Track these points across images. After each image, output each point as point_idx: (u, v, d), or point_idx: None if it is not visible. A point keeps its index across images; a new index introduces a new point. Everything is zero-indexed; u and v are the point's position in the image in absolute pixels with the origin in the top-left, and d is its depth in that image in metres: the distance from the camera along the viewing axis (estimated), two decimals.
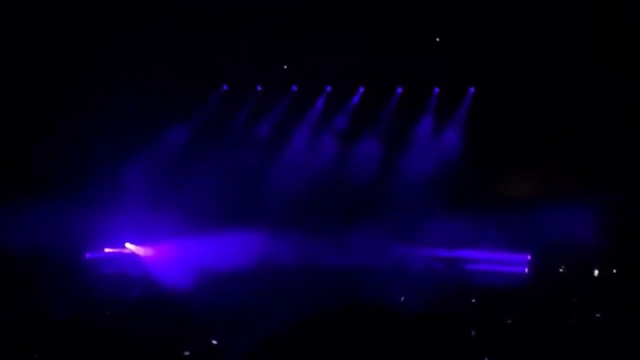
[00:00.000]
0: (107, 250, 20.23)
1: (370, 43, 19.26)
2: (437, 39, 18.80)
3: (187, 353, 13.10)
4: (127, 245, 20.19)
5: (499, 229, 17.94)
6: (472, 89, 20.23)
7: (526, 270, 18.45)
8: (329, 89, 21.36)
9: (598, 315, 14.34)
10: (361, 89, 21.13)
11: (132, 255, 20.22)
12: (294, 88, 21.37)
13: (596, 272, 17.97)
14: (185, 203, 19.94)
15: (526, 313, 14.75)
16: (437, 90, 20.49)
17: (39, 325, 14.14)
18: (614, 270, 17.79)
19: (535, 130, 19.22)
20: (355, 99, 21.28)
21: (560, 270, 18.10)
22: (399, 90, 20.95)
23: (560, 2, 17.54)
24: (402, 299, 15.72)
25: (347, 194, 20.36)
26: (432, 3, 18.19)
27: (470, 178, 19.56)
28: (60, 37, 19.36)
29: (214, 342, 13.54)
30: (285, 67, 20.63)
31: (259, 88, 21.52)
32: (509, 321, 14.24)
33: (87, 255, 19.84)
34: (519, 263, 18.62)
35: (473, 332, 13.03)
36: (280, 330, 13.39)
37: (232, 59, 20.44)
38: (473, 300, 16.05)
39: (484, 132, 19.74)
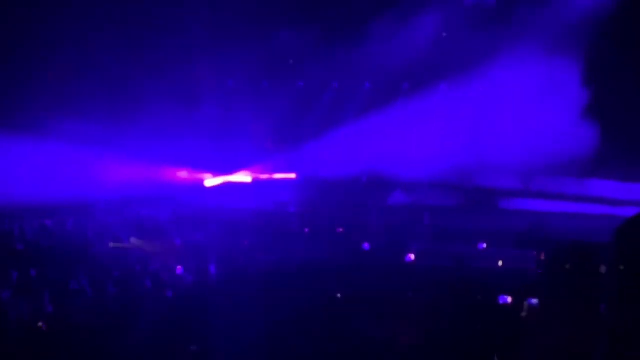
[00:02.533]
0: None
1: None
2: None
3: (194, 348, 13.20)
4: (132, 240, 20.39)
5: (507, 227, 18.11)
6: None
7: (534, 267, 18.48)
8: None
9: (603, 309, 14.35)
10: None
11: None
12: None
13: (603, 269, 17.92)
14: None
15: (533, 309, 14.75)
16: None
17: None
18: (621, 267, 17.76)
19: None
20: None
21: (567, 267, 18.09)
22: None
23: None
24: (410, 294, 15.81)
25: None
26: None
27: None
28: None
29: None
30: None
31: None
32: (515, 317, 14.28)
33: None
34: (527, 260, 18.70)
35: (479, 327, 13.13)
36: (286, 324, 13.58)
37: None
38: (479, 297, 16.06)
39: None
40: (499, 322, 13.74)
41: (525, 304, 14.45)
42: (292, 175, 25.19)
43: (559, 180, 23.44)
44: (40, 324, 14.87)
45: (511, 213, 23.74)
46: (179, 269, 18.70)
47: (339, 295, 15.86)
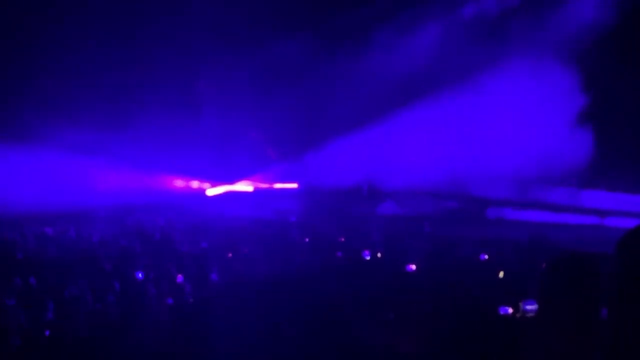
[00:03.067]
0: None
1: None
2: None
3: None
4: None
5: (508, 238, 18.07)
6: None
7: (535, 277, 18.48)
8: None
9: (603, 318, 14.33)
10: None
11: None
12: None
13: (603, 280, 17.91)
14: None
15: (534, 319, 14.75)
16: None
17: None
18: (623, 278, 17.79)
19: None
20: None
21: (567, 278, 18.09)
22: None
23: None
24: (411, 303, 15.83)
25: None
26: None
27: None
28: None
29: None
30: None
31: None
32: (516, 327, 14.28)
33: None
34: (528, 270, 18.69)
35: (480, 338, 13.12)
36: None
37: None
38: (479, 308, 16.02)
39: None
40: (500, 333, 13.73)
41: (526, 313, 14.45)
42: (294, 185, 25.26)
43: (560, 190, 23.51)
44: (42, 332, 14.88)
45: (512, 223, 23.76)
46: (180, 277, 18.71)
47: (340, 304, 15.86)
